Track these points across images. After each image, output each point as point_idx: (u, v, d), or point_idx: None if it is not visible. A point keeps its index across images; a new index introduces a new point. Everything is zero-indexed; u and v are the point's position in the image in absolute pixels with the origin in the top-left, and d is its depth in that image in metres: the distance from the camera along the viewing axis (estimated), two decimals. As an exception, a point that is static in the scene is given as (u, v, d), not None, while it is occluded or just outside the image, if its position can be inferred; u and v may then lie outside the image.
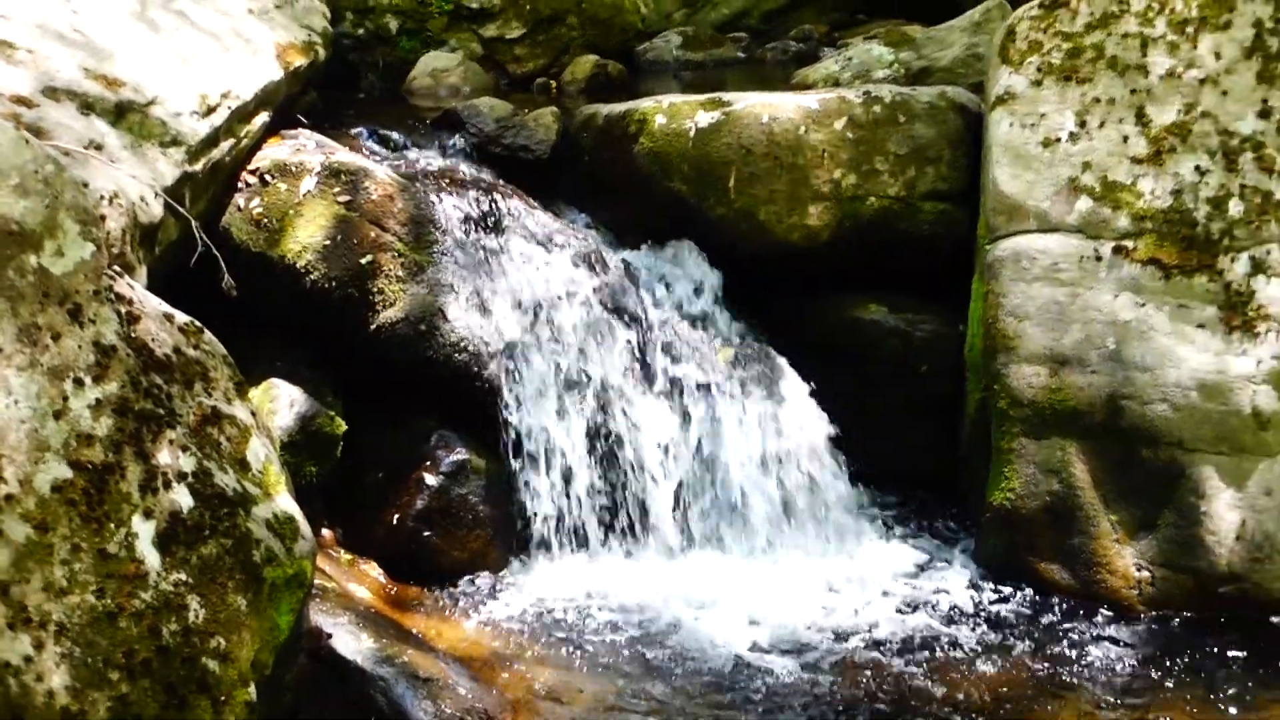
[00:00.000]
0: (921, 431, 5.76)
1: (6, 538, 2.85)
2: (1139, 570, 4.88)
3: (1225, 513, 4.74)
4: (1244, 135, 4.87)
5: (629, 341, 5.42)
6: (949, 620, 4.86)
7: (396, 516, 5.03)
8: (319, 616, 4.03)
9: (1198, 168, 4.92)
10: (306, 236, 5.09)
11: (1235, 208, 4.85)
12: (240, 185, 5.22)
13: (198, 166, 4.71)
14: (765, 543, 5.37)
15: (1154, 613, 4.84)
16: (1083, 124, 5.09)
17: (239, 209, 5.16)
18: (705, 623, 4.81)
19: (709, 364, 5.47)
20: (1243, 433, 4.74)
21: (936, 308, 5.79)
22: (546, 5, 8.40)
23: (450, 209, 5.36)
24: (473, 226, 5.37)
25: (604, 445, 5.30)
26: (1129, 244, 4.96)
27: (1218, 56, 4.94)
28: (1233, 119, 4.90)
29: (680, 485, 5.36)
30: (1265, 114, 4.85)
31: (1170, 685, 4.38)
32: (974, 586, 5.11)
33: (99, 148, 4.17)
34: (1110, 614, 4.86)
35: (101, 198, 3.91)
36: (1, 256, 3.00)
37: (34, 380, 2.98)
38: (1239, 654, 4.57)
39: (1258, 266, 4.80)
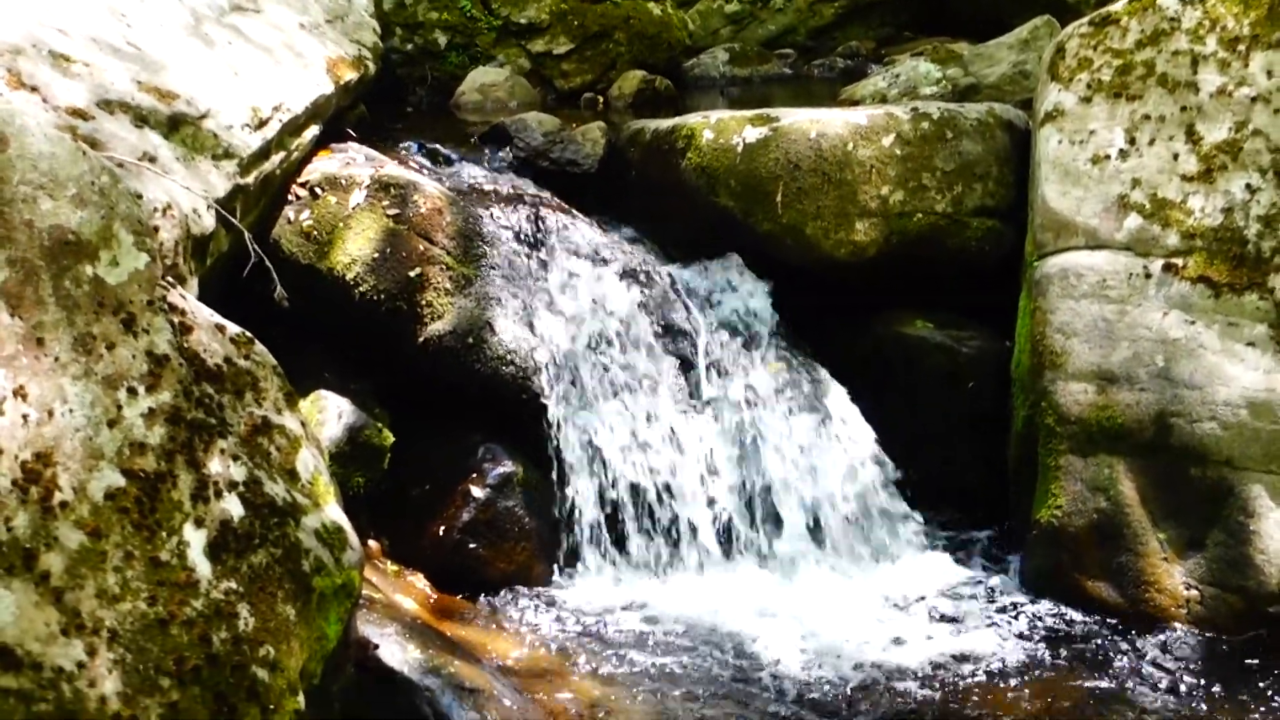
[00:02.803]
0: (967, 447, 5.73)
1: (61, 545, 2.88)
2: (1187, 589, 4.84)
3: (1275, 532, 4.70)
4: (1296, 153, 4.84)
5: (675, 356, 5.43)
6: (994, 637, 4.84)
7: (443, 528, 5.05)
8: (366, 627, 4.04)
9: (1248, 186, 4.89)
10: (355, 249, 5.13)
11: (1286, 226, 4.82)
12: (290, 198, 5.26)
13: (249, 179, 4.75)
14: (809, 557, 5.35)
15: (1202, 632, 4.80)
16: (1132, 141, 5.07)
17: (289, 221, 5.20)
18: (749, 636, 4.80)
19: (755, 378, 5.47)
20: (1293, 452, 4.71)
21: (983, 324, 5.77)
22: (594, 21, 8.43)
23: (498, 222, 5.38)
24: (520, 240, 5.40)
25: (648, 459, 5.30)
26: (1178, 261, 4.93)
27: (1269, 74, 4.91)
28: (1284, 137, 4.87)
29: (725, 499, 5.36)
30: (1317, 131, 4.83)
31: (1218, 705, 4.34)
32: (1019, 603, 5.08)
33: (152, 159, 4.21)
34: (1158, 632, 4.82)
35: (155, 209, 3.95)
36: (59, 266, 3.04)
37: (89, 389, 3.01)
38: (1289, 675, 4.54)
39: (1309, 285, 4.77)
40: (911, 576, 5.32)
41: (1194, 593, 4.83)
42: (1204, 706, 4.34)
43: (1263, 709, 4.31)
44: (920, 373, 5.73)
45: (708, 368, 5.46)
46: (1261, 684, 4.48)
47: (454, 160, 6.16)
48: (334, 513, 3.44)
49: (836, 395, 5.57)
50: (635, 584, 5.18)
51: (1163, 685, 4.49)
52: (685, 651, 4.70)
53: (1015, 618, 4.98)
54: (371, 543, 5.01)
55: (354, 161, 5.49)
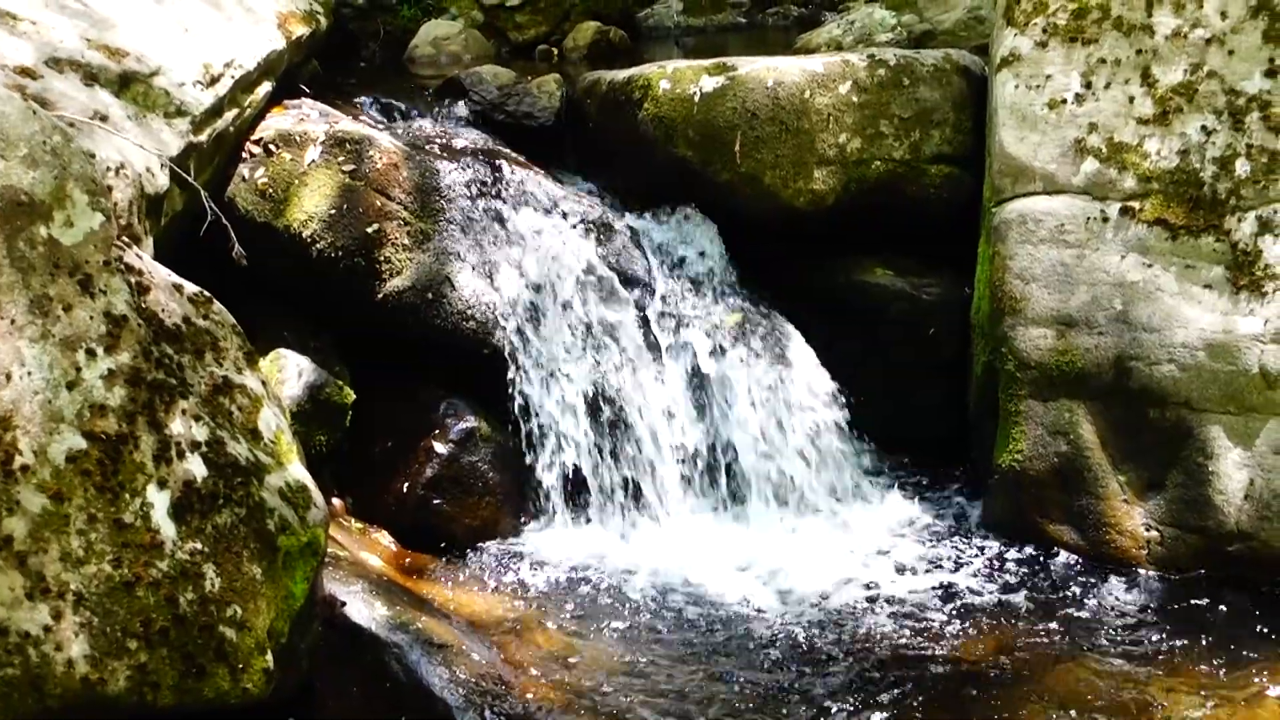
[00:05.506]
0: (928, 394, 5.76)
1: (23, 508, 2.86)
2: (1148, 530, 4.88)
3: (1233, 472, 4.75)
4: (1250, 94, 4.85)
5: (635, 307, 5.43)
6: (957, 580, 4.87)
7: (406, 485, 5.05)
8: (333, 585, 4.04)
9: (1204, 128, 4.90)
10: (312, 206, 5.09)
11: (1242, 167, 4.83)
12: (244, 155, 5.21)
13: (202, 137, 4.70)
14: (772, 505, 5.38)
15: (1163, 572, 4.85)
16: (1088, 85, 5.07)
17: (244, 179, 5.15)
18: (714, 585, 4.83)
19: (716, 329, 5.47)
20: (1250, 392, 4.74)
21: (943, 270, 5.78)
22: (547, -29, 8.38)
23: (455, 177, 5.35)
24: (478, 194, 5.37)
25: (611, 412, 5.30)
26: (1135, 205, 4.95)
27: (1224, 16, 4.92)
28: (1239, 78, 4.87)
29: (687, 450, 5.37)
30: (1272, 73, 4.83)
31: (1177, 644, 4.38)
32: (981, 547, 5.12)
33: (104, 118, 4.15)
34: (1119, 574, 4.87)
35: (108, 168, 3.90)
36: (12, 227, 3.00)
37: (46, 351, 2.99)
38: (1247, 613, 4.57)
39: (1265, 226, 4.79)
40: (873, 522, 5.36)
41: (1154, 534, 4.88)
42: (1164, 645, 4.38)
43: (1222, 646, 4.35)
44: (881, 320, 5.74)
45: (668, 318, 5.46)
46: (1221, 622, 4.53)
47: (409, 115, 6.12)
48: (297, 471, 3.43)
49: (797, 344, 5.59)
50: (600, 536, 5.20)
51: (1122, 625, 4.53)
52: (652, 602, 4.72)
53: (977, 561, 5.02)
54: (336, 501, 4.99)
55: (308, 118, 5.45)
